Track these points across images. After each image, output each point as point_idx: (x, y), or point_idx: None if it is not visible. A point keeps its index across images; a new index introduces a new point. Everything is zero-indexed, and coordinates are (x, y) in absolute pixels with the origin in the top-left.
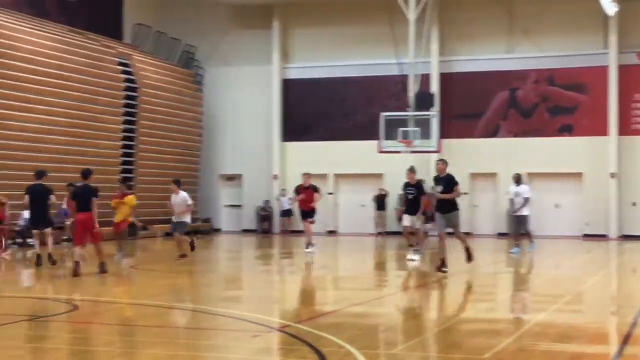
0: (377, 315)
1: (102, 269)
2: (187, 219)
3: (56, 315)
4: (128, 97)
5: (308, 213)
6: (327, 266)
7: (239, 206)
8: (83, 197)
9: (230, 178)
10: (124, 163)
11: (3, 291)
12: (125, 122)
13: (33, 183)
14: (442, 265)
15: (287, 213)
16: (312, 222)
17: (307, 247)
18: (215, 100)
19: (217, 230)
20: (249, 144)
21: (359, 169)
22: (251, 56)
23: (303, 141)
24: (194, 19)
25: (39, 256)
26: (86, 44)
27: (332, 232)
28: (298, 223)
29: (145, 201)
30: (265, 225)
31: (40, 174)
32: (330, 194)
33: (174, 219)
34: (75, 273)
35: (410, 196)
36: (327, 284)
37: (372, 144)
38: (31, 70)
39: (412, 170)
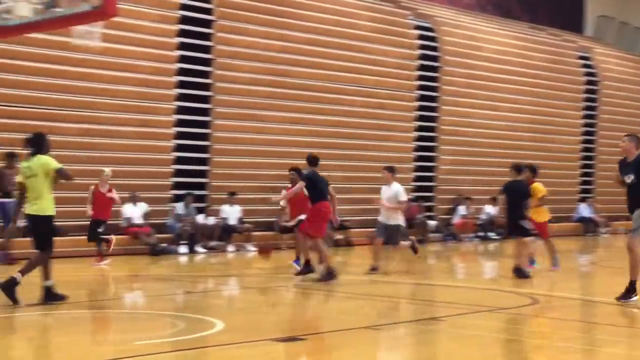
0: None
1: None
2: (400, 221)
3: (516, 308)
4: (588, 91)
5: None
6: None
7: None
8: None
9: None
10: (584, 158)
11: (470, 282)
12: (585, 116)
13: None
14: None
15: None
16: None
17: None
18: None
19: None
20: None
21: None
22: None
23: None
24: None
25: None
26: (547, 40)
27: None
28: None
29: (608, 197)
30: None
31: (519, 168)
32: None
33: (381, 219)
34: None
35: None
36: None
37: None
38: (496, 69)
39: None
